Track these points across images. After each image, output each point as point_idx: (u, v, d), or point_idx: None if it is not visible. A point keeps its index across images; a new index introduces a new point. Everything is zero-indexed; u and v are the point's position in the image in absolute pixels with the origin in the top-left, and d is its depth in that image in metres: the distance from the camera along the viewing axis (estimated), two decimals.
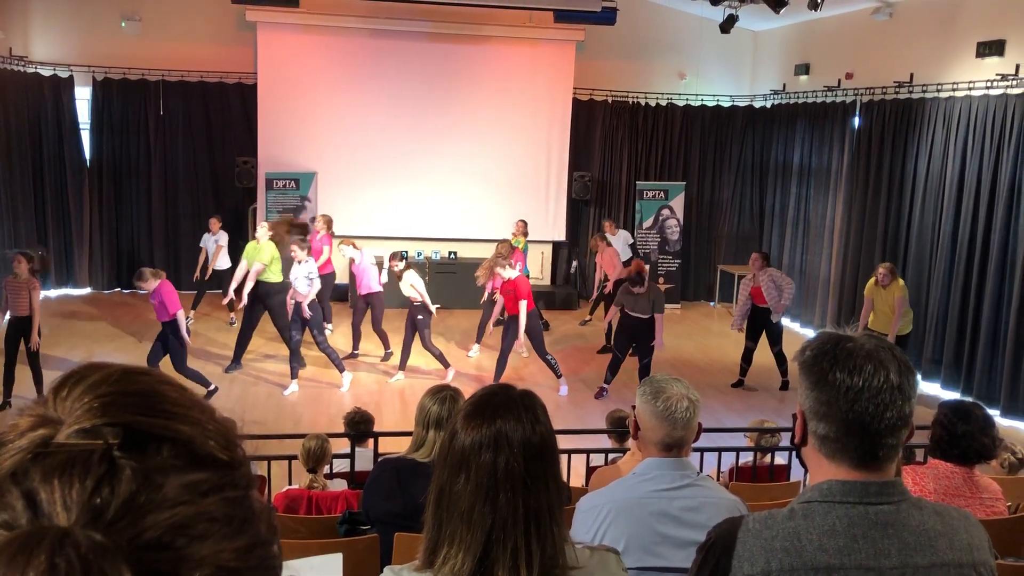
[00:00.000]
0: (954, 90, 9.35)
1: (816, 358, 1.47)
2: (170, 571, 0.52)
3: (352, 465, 4.82)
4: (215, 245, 10.98)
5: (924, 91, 9.83)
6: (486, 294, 9.64)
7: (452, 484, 1.44)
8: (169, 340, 7.79)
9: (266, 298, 8.93)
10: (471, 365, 9.74)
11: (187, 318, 9.98)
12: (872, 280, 8.58)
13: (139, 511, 0.52)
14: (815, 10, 9.53)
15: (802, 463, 1.58)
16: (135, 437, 0.54)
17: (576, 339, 11.19)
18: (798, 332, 11.90)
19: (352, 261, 9.45)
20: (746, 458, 5.41)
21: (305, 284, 8.42)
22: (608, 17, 11.58)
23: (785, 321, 12.18)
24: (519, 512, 1.41)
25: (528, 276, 9.67)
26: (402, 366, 9.05)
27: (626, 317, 8.60)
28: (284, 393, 8.51)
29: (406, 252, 9.59)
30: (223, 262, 10.98)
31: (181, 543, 0.52)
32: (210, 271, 10.98)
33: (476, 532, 1.40)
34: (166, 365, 7.66)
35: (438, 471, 1.48)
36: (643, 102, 13.53)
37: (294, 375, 8.66)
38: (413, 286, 8.65)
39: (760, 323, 9.11)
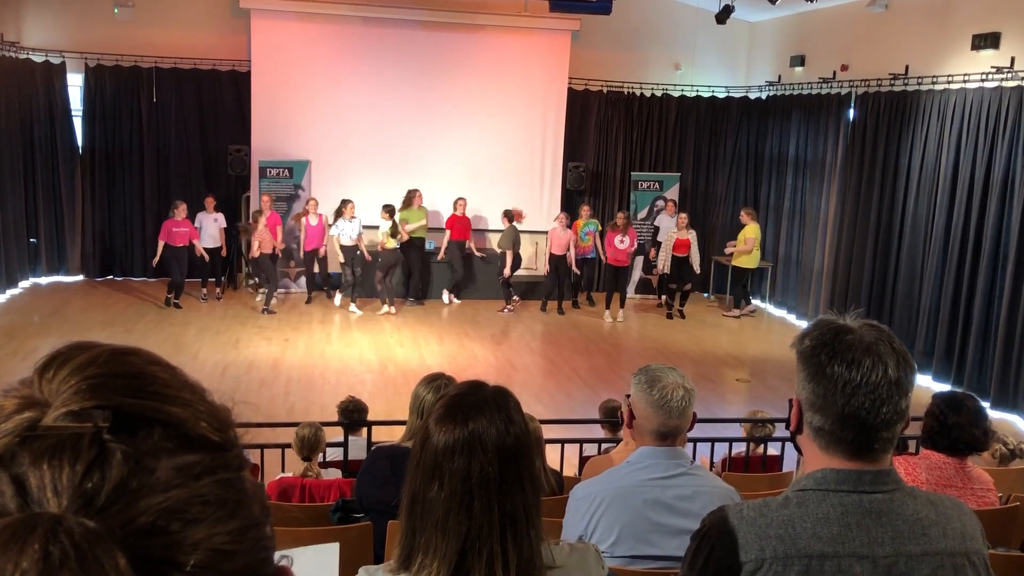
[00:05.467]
0: (949, 83, 9.35)
1: (815, 349, 1.45)
2: (164, 556, 0.50)
3: (345, 454, 4.82)
4: (213, 223, 11.26)
5: (919, 83, 9.82)
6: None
7: (426, 491, 1.40)
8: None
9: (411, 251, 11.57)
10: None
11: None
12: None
13: (131, 496, 0.51)
14: (811, 1, 9.52)
15: (797, 448, 1.58)
16: (125, 420, 0.53)
17: (570, 329, 11.19)
18: (793, 323, 11.92)
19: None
20: (739, 448, 5.43)
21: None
22: (604, 7, 11.51)
23: (780, 312, 12.30)
24: (494, 517, 1.38)
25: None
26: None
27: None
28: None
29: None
30: (210, 241, 11.29)
31: (175, 527, 0.51)
32: (199, 250, 11.18)
33: (451, 540, 1.37)
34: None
35: (410, 476, 1.44)
36: (638, 92, 13.49)
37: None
38: None
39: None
